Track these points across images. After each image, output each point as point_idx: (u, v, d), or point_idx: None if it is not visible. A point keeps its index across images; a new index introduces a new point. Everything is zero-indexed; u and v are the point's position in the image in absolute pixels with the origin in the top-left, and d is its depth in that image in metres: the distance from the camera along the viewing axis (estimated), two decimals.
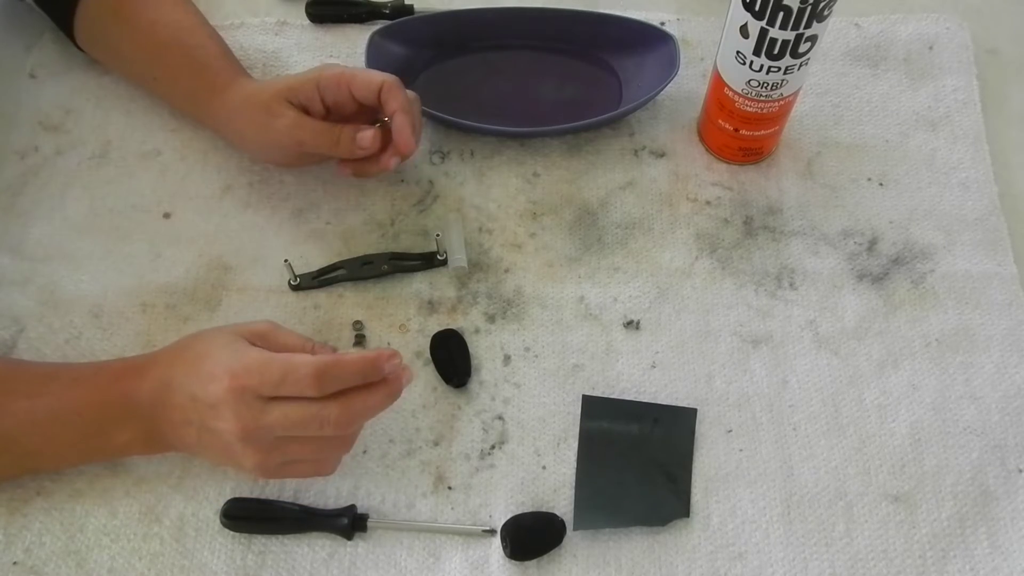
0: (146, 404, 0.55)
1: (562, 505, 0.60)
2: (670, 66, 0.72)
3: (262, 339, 0.55)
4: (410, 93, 0.65)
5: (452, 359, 0.64)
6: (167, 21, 0.70)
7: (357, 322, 0.66)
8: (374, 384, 0.52)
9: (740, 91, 0.65)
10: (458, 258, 0.66)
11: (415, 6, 0.79)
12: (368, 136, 0.63)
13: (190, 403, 0.52)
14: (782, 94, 0.65)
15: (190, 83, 0.69)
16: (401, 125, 0.63)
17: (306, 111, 0.64)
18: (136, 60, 0.72)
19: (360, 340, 0.65)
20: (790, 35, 0.59)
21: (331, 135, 0.63)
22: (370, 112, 0.65)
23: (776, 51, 0.61)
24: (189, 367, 0.54)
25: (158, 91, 0.73)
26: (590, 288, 0.68)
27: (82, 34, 0.73)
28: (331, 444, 0.55)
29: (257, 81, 0.69)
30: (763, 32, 0.60)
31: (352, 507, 0.59)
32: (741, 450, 0.62)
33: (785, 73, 0.63)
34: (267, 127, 0.64)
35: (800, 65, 0.62)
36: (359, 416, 0.53)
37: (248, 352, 0.52)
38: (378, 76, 0.64)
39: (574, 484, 0.60)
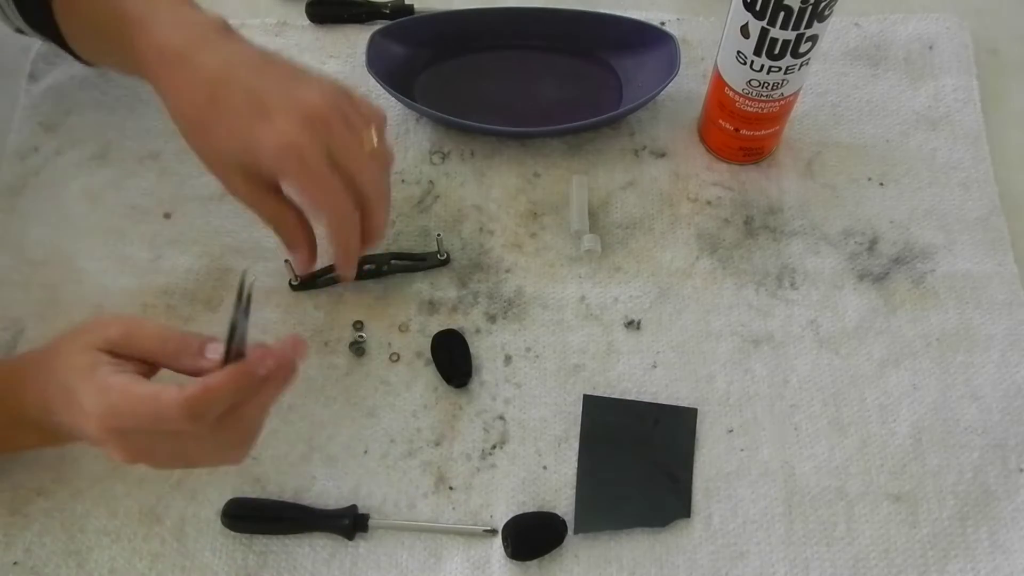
0: (36, 411, 0.52)
1: (563, 505, 0.60)
2: (670, 66, 0.72)
3: (121, 346, 0.49)
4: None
5: (453, 359, 0.64)
6: None
7: (357, 322, 0.66)
8: (261, 384, 0.48)
9: (740, 91, 0.65)
10: (583, 231, 0.66)
11: (415, 6, 0.79)
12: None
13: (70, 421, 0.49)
14: (782, 94, 0.65)
15: (118, 33, 0.58)
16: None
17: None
18: (94, 45, 0.65)
19: (360, 341, 0.65)
20: (791, 35, 0.59)
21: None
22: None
23: (777, 51, 0.61)
24: (59, 395, 0.50)
25: (119, 68, 0.66)
26: (591, 288, 0.67)
27: (70, 40, 0.69)
28: (220, 445, 0.50)
29: (188, 26, 0.55)
30: (764, 32, 0.60)
31: (353, 507, 0.59)
32: (742, 450, 0.62)
33: (785, 73, 0.63)
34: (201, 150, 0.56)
35: (800, 65, 0.62)
36: (244, 429, 0.50)
37: (110, 388, 0.47)
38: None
39: (575, 484, 0.60)
